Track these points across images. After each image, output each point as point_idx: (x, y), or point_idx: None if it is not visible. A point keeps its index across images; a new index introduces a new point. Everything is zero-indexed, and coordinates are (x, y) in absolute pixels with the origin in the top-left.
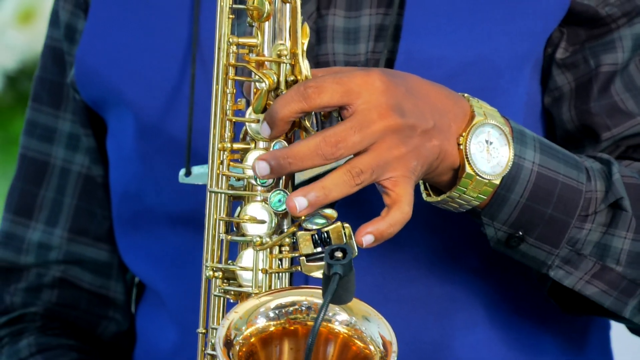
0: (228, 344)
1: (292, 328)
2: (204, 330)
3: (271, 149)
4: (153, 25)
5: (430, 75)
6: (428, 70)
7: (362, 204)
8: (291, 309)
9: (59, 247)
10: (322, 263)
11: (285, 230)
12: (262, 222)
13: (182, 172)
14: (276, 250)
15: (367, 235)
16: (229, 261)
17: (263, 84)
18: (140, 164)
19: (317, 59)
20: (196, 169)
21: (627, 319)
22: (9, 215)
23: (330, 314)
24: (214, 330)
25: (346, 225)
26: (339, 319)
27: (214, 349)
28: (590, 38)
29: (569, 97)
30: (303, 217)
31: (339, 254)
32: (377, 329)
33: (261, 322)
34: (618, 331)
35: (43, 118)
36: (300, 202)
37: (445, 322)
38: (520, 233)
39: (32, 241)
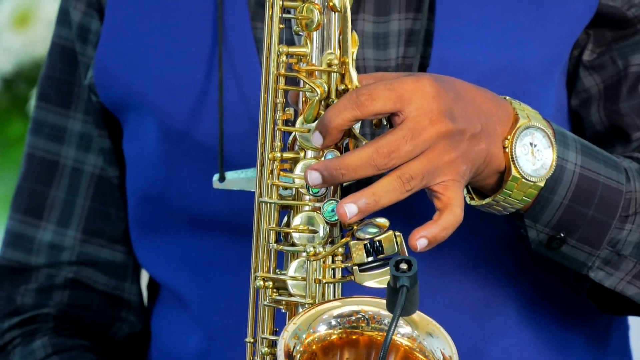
0: (288, 353)
1: (352, 338)
2: (252, 340)
3: (323, 159)
4: (175, 26)
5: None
6: (460, 76)
7: (407, 210)
8: (351, 318)
9: (71, 248)
10: (375, 272)
11: (336, 239)
12: (315, 231)
13: (216, 177)
14: (329, 260)
15: (421, 240)
16: (278, 270)
17: (314, 94)
18: (163, 168)
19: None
20: (230, 175)
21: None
22: (17, 215)
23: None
24: (264, 340)
25: (398, 233)
26: (402, 331)
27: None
28: (617, 39)
29: (598, 99)
30: (355, 227)
31: (404, 266)
32: (439, 346)
33: (321, 330)
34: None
35: (51, 117)
36: (350, 209)
37: (480, 326)
38: (562, 235)
39: (43, 242)
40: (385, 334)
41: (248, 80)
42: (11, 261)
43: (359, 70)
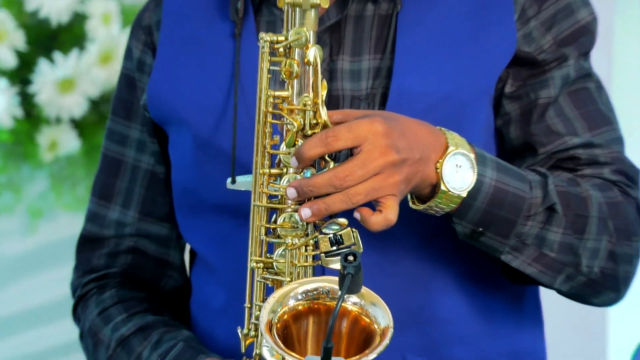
0: (269, 324)
1: (316, 307)
2: (249, 305)
3: (301, 174)
4: (204, 62)
5: (414, 107)
6: (413, 103)
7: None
8: (315, 292)
9: (131, 224)
10: (338, 259)
11: (310, 234)
12: (294, 227)
13: (229, 180)
14: (303, 249)
15: (356, 214)
16: (267, 255)
17: (293, 126)
18: (196, 169)
19: (330, 92)
20: (239, 178)
21: (555, 288)
22: (94, 199)
23: (345, 296)
24: (257, 306)
25: (354, 229)
26: (352, 300)
27: (257, 319)
28: (530, 77)
29: (515, 121)
30: (323, 224)
31: (351, 258)
32: (381, 314)
33: (292, 303)
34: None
35: (118, 127)
36: (305, 212)
37: (427, 290)
38: (481, 229)
39: (112, 219)
40: (342, 296)
41: (253, 107)
42: (90, 232)
43: (338, 97)
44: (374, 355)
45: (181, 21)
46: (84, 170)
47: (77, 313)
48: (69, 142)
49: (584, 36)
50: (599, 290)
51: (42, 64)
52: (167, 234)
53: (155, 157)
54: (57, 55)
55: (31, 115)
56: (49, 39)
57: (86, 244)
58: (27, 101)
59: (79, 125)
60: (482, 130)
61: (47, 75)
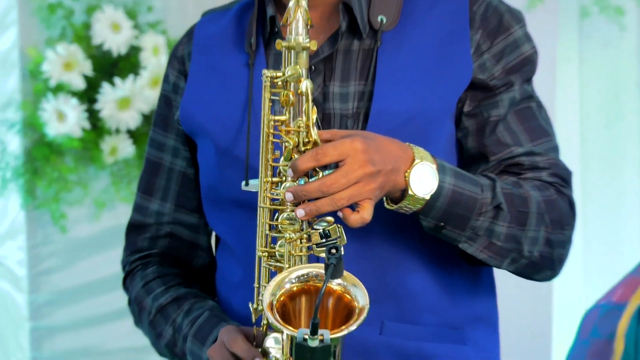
0: (270, 304)
1: (307, 288)
2: (257, 285)
3: (296, 183)
4: (224, 87)
5: (391, 123)
6: (390, 120)
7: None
8: (306, 276)
9: (168, 214)
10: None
11: (304, 229)
12: (292, 224)
13: (243, 183)
14: (299, 241)
15: (340, 213)
16: (271, 245)
17: (289, 144)
18: (217, 172)
19: (323, 111)
20: (252, 181)
21: (503, 268)
22: (139, 193)
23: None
24: (263, 287)
25: (339, 226)
26: (336, 282)
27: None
28: (483, 99)
29: (472, 135)
30: (314, 222)
31: (333, 251)
32: (360, 294)
33: (288, 286)
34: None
35: (158, 137)
36: (300, 212)
37: (399, 270)
38: (442, 224)
39: (152, 210)
40: (326, 281)
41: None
42: (135, 220)
43: (329, 115)
44: (354, 327)
45: (207, 53)
46: (137, 170)
47: (126, 285)
48: (126, 148)
49: (527, 66)
50: (539, 269)
51: (105, 87)
52: (197, 222)
53: (186, 161)
54: (117, 80)
55: (96, 127)
56: (110, 66)
57: (133, 229)
58: (93, 116)
59: (133, 135)
60: (446, 141)
61: (108, 95)
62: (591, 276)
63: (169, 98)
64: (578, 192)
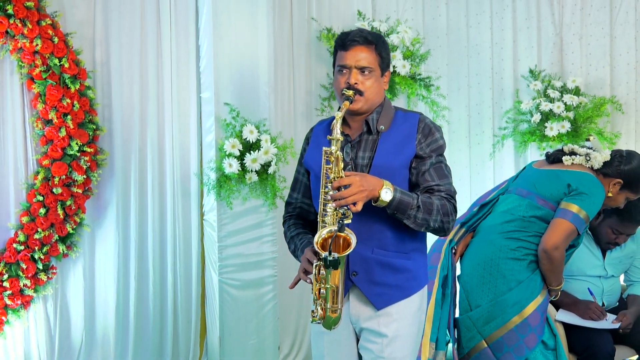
0: (317, 242)
1: (331, 235)
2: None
3: (334, 192)
4: (319, 153)
5: (379, 170)
6: (380, 170)
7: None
8: (331, 231)
9: (299, 200)
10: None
11: (337, 211)
12: (332, 209)
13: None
14: (335, 217)
15: (335, 202)
16: (323, 217)
17: (331, 188)
18: (314, 185)
19: (354, 163)
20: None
21: (423, 230)
22: (290, 190)
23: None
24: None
25: (350, 212)
26: (343, 233)
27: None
28: (420, 162)
29: (415, 176)
30: (340, 210)
31: (341, 221)
32: (353, 238)
33: (324, 234)
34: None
35: (298, 168)
36: (334, 204)
37: (379, 229)
38: (395, 212)
39: (293, 196)
40: (336, 232)
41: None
42: (288, 200)
43: (356, 165)
44: (348, 252)
45: (316, 136)
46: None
47: (284, 226)
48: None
49: (440, 149)
50: (439, 232)
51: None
52: (309, 202)
53: (306, 177)
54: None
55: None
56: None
57: (286, 204)
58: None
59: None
60: (403, 178)
61: None
62: None
63: (302, 155)
64: None
